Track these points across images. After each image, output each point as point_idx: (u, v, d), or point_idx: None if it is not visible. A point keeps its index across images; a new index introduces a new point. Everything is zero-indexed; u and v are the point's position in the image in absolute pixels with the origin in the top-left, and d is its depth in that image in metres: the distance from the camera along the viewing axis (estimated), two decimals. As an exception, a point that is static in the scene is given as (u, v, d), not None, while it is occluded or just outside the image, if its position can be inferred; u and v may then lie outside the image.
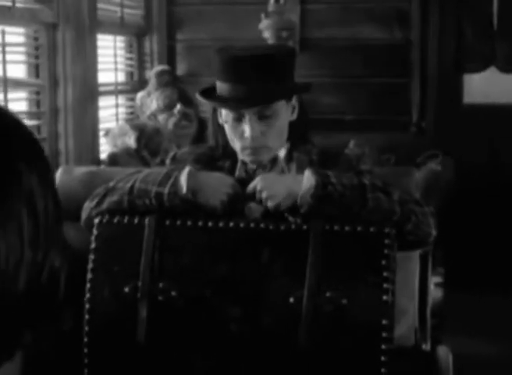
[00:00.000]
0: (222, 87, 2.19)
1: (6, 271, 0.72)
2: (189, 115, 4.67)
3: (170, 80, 4.80)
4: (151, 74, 4.83)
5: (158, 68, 4.87)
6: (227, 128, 2.23)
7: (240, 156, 2.25)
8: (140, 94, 4.82)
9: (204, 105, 4.53)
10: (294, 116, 2.28)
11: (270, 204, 2.05)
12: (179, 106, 4.65)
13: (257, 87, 2.14)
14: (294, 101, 2.27)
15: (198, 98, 2.27)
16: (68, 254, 0.81)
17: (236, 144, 2.22)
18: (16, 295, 0.74)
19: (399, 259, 2.03)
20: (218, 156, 2.32)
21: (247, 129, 2.17)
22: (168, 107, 4.67)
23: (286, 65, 2.21)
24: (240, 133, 2.19)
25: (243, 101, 2.16)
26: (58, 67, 3.98)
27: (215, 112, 2.30)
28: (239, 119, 2.19)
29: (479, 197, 5.16)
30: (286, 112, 2.24)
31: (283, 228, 2.04)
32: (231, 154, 2.28)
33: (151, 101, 4.73)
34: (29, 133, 0.80)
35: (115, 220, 2.13)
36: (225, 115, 2.22)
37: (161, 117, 4.64)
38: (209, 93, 2.25)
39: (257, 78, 2.13)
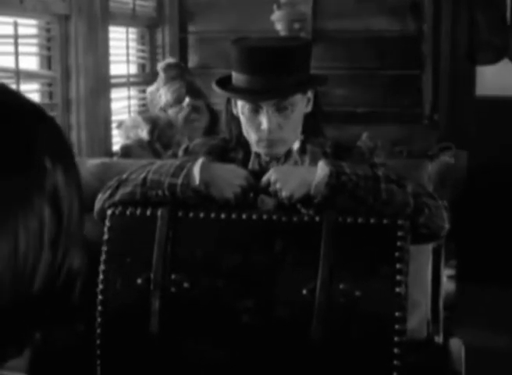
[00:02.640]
0: (238, 77, 2.19)
1: (23, 271, 0.70)
2: (198, 107, 4.66)
3: (178, 74, 4.78)
4: (158, 68, 4.83)
5: (166, 62, 4.86)
6: (243, 119, 2.22)
7: (255, 148, 2.25)
8: (149, 89, 4.81)
9: (216, 97, 4.54)
10: (309, 109, 2.27)
11: (284, 194, 2.04)
12: (187, 99, 4.64)
13: (275, 79, 2.13)
14: (310, 93, 2.27)
15: (214, 88, 2.26)
16: (86, 254, 0.80)
17: (252, 136, 2.21)
18: (31, 295, 0.72)
19: (411, 252, 2.02)
20: (232, 147, 2.32)
21: (264, 121, 2.16)
22: (177, 101, 4.66)
23: (303, 57, 2.21)
24: (256, 125, 2.19)
25: (262, 94, 2.15)
26: (71, 59, 3.99)
27: (228, 102, 2.29)
28: (256, 111, 2.18)
29: (492, 189, 5.14)
30: (302, 105, 2.23)
31: (296, 220, 2.04)
32: (244, 145, 2.28)
33: (159, 95, 4.72)
34: (55, 125, 0.77)
35: (128, 212, 2.13)
36: (241, 106, 2.21)
37: (171, 111, 4.64)
38: (224, 83, 2.25)
39: (274, 70, 2.13)
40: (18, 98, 0.76)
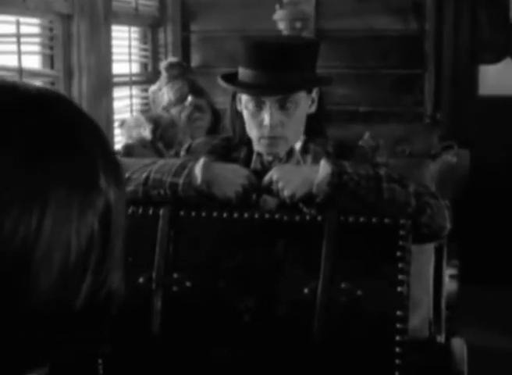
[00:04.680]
0: (244, 73, 2.19)
1: (70, 285, 0.71)
2: (201, 106, 4.66)
3: (180, 73, 4.78)
4: (161, 67, 4.83)
5: (168, 61, 4.87)
6: (246, 115, 2.22)
7: (256, 147, 2.25)
8: (151, 89, 4.81)
9: (218, 96, 4.54)
10: (313, 109, 2.28)
11: (286, 193, 2.05)
12: (190, 98, 4.64)
13: (281, 75, 2.14)
14: (314, 93, 2.27)
15: (219, 82, 2.27)
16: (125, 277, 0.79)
17: (254, 133, 2.21)
18: (72, 312, 0.72)
19: (413, 252, 2.02)
20: (234, 145, 2.32)
21: (266, 117, 2.17)
22: (179, 100, 4.67)
23: (309, 56, 2.21)
24: (259, 121, 2.19)
25: (266, 89, 2.16)
26: (73, 58, 3.99)
27: (233, 98, 2.29)
28: (259, 107, 2.18)
29: (494, 188, 5.14)
30: (305, 105, 2.23)
31: (298, 219, 2.04)
32: (247, 143, 2.28)
33: (162, 95, 4.72)
34: (108, 142, 0.77)
35: (130, 211, 2.13)
36: (245, 101, 2.21)
37: (173, 110, 4.64)
38: (231, 78, 2.25)
39: (280, 66, 2.13)
40: (78, 113, 0.76)
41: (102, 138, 0.76)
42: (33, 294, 0.69)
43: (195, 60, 5.45)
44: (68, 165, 0.71)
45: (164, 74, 4.76)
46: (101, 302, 0.75)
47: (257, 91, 2.17)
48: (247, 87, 2.19)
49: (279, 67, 2.13)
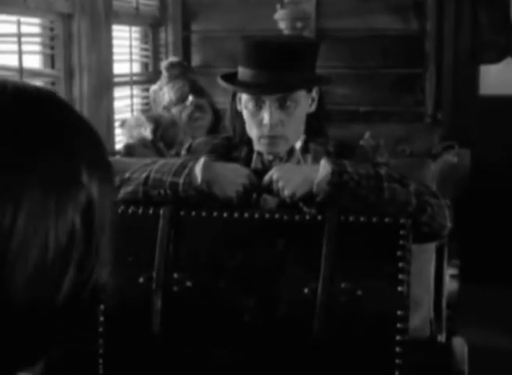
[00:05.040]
0: (244, 72, 2.19)
1: (50, 279, 0.71)
2: (202, 106, 4.66)
3: (181, 72, 4.78)
4: (161, 67, 4.83)
5: (168, 60, 4.87)
6: (246, 114, 2.22)
7: (257, 147, 2.25)
8: (152, 89, 4.81)
9: (219, 96, 4.54)
10: (313, 109, 2.27)
11: (286, 192, 2.05)
12: (191, 98, 4.64)
13: (280, 74, 2.14)
14: (314, 93, 2.27)
15: (219, 82, 2.27)
16: (113, 271, 0.79)
17: (254, 133, 2.21)
18: (54, 306, 0.72)
19: (414, 251, 2.02)
20: (235, 145, 2.32)
21: (266, 116, 2.17)
22: (180, 99, 4.67)
23: (309, 55, 2.21)
24: (258, 120, 2.19)
25: (265, 88, 2.16)
26: (74, 58, 3.99)
27: (234, 98, 2.29)
28: (259, 106, 2.18)
29: (495, 188, 5.14)
30: (305, 104, 2.23)
31: (298, 219, 2.03)
32: (247, 143, 2.28)
33: (163, 94, 4.72)
34: (94, 137, 0.78)
35: (130, 211, 2.13)
36: (245, 100, 2.22)
37: (174, 110, 4.64)
38: (230, 78, 2.25)
39: (280, 66, 2.13)
40: (61, 108, 0.77)
41: (92, 138, 0.77)
42: (9, 290, 0.69)
43: (196, 60, 5.45)
44: (47, 163, 0.71)
45: (164, 74, 4.76)
46: (86, 297, 0.75)
47: (257, 90, 2.18)
48: (247, 87, 2.19)
49: (278, 66, 2.14)
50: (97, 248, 0.75)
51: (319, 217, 2.02)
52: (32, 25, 3.90)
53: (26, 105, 0.73)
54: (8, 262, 0.68)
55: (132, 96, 4.86)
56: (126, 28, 4.82)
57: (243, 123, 2.25)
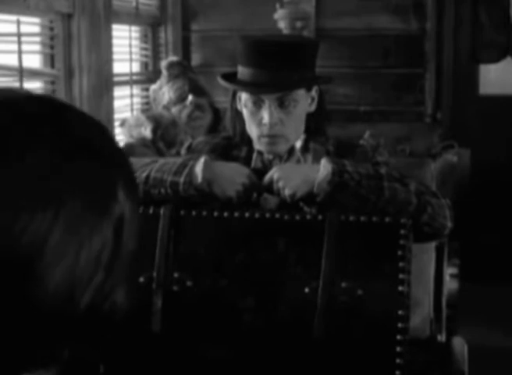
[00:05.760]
0: (243, 71, 2.19)
1: (77, 285, 0.73)
2: (202, 105, 4.66)
3: (181, 72, 4.78)
4: (161, 66, 4.82)
5: (168, 60, 4.86)
6: (246, 113, 2.22)
7: (257, 146, 2.24)
8: (152, 88, 4.81)
9: (219, 95, 4.53)
10: (312, 108, 2.27)
11: (287, 192, 2.05)
12: (190, 97, 4.64)
13: (280, 73, 2.14)
14: (314, 92, 2.27)
15: (219, 81, 2.27)
16: (133, 298, 0.81)
17: (253, 132, 2.21)
18: (75, 312, 0.74)
19: (414, 251, 2.02)
20: (235, 144, 2.32)
21: (265, 115, 2.17)
22: (180, 99, 4.66)
23: (308, 55, 2.21)
24: (258, 119, 2.19)
25: (265, 87, 2.16)
26: (74, 57, 3.99)
27: (234, 97, 2.29)
28: (258, 105, 2.18)
29: (495, 188, 5.14)
30: (305, 103, 2.23)
31: (299, 218, 2.03)
32: (247, 142, 2.28)
33: (162, 94, 4.72)
34: (125, 157, 0.81)
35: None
36: (244, 100, 2.22)
37: (174, 109, 4.63)
38: (230, 77, 2.25)
39: (279, 65, 2.13)
40: (102, 128, 0.81)
41: (125, 157, 0.81)
42: (38, 296, 0.71)
43: (195, 59, 5.45)
44: (88, 176, 0.74)
45: (164, 73, 4.76)
46: (104, 313, 0.77)
47: (256, 89, 2.18)
48: (246, 86, 2.19)
49: (277, 65, 2.14)
50: (122, 263, 0.77)
51: (320, 217, 2.02)
52: (32, 24, 3.90)
53: (71, 123, 0.77)
54: (40, 268, 0.70)
55: (132, 95, 4.86)
56: (125, 28, 4.81)
57: (243, 122, 2.25)
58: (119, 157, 0.80)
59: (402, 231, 1.98)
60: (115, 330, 0.80)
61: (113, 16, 4.31)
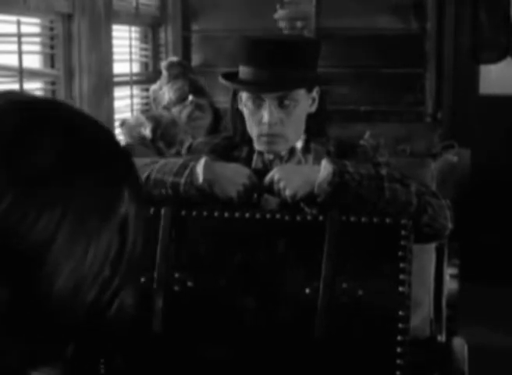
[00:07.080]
0: (244, 70, 2.19)
1: (84, 281, 0.74)
2: (202, 105, 4.66)
3: (181, 72, 4.78)
4: (161, 67, 4.83)
5: (168, 60, 4.87)
6: (246, 113, 2.22)
7: (257, 146, 2.24)
8: (152, 88, 4.81)
9: (219, 95, 4.54)
10: (313, 109, 2.27)
11: (287, 193, 2.05)
12: (191, 97, 4.64)
13: (280, 72, 2.14)
14: (315, 93, 2.27)
15: (220, 80, 2.27)
16: (138, 301, 0.83)
17: (253, 131, 2.21)
18: (83, 308, 0.75)
19: (414, 251, 2.02)
20: (235, 145, 2.32)
21: (265, 114, 2.17)
22: (180, 99, 4.66)
23: (309, 54, 2.21)
24: (258, 118, 2.19)
25: (265, 86, 2.16)
26: (74, 57, 3.99)
27: (234, 97, 2.29)
28: (259, 105, 2.18)
29: (495, 188, 5.14)
30: (305, 103, 2.23)
31: (299, 219, 2.03)
32: (248, 142, 2.28)
33: (162, 94, 4.72)
34: (133, 163, 0.83)
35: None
36: (245, 99, 2.22)
37: (174, 109, 4.64)
38: (231, 77, 2.25)
39: (280, 64, 2.13)
40: (109, 133, 0.84)
41: (131, 161, 0.83)
42: (46, 293, 0.72)
43: (195, 60, 5.45)
44: (95, 180, 0.76)
45: (164, 73, 4.76)
46: (112, 314, 0.79)
47: (256, 88, 2.18)
48: (246, 85, 2.19)
49: (277, 65, 2.14)
50: (128, 263, 0.79)
51: (320, 217, 2.02)
52: (32, 25, 3.90)
53: (80, 128, 0.80)
54: (48, 267, 0.72)
55: (132, 96, 4.86)
56: (125, 28, 4.81)
57: (243, 122, 2.25)
58: (125, 159, 0.81)
59: (402, 232, 1.98)
60: (122, 330, 0.81)
61: (113, 16, 4.31)
